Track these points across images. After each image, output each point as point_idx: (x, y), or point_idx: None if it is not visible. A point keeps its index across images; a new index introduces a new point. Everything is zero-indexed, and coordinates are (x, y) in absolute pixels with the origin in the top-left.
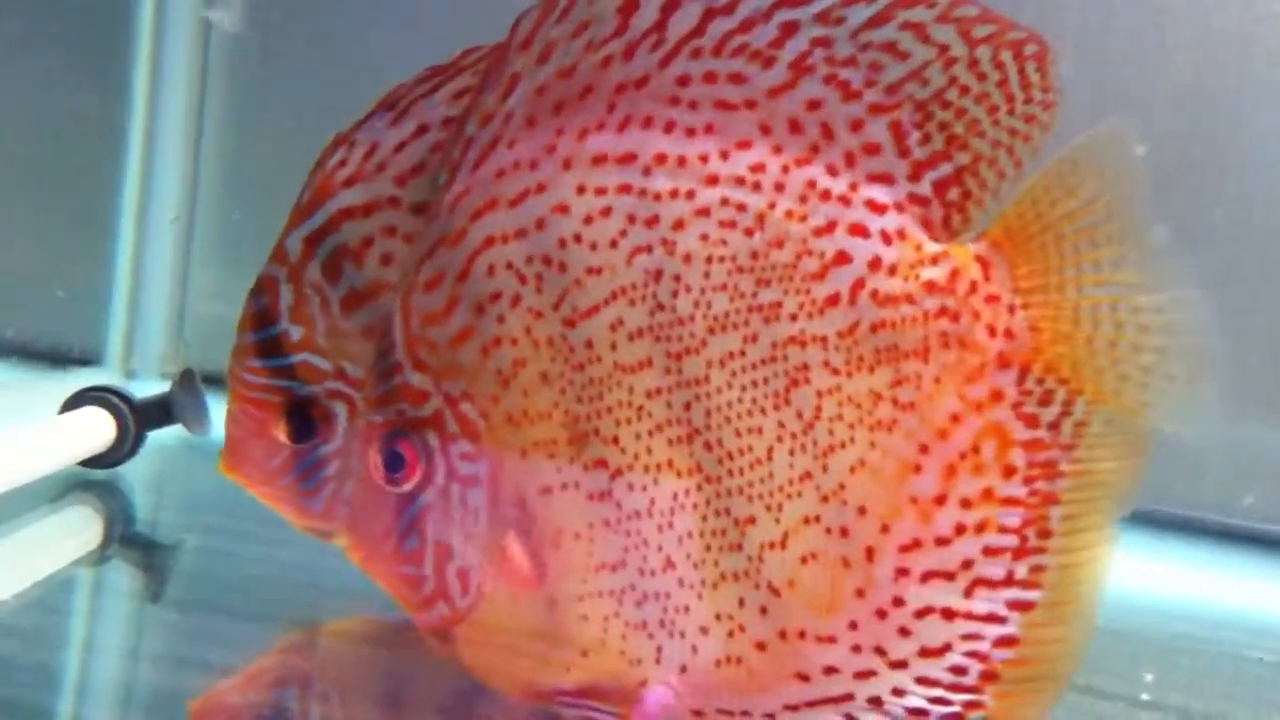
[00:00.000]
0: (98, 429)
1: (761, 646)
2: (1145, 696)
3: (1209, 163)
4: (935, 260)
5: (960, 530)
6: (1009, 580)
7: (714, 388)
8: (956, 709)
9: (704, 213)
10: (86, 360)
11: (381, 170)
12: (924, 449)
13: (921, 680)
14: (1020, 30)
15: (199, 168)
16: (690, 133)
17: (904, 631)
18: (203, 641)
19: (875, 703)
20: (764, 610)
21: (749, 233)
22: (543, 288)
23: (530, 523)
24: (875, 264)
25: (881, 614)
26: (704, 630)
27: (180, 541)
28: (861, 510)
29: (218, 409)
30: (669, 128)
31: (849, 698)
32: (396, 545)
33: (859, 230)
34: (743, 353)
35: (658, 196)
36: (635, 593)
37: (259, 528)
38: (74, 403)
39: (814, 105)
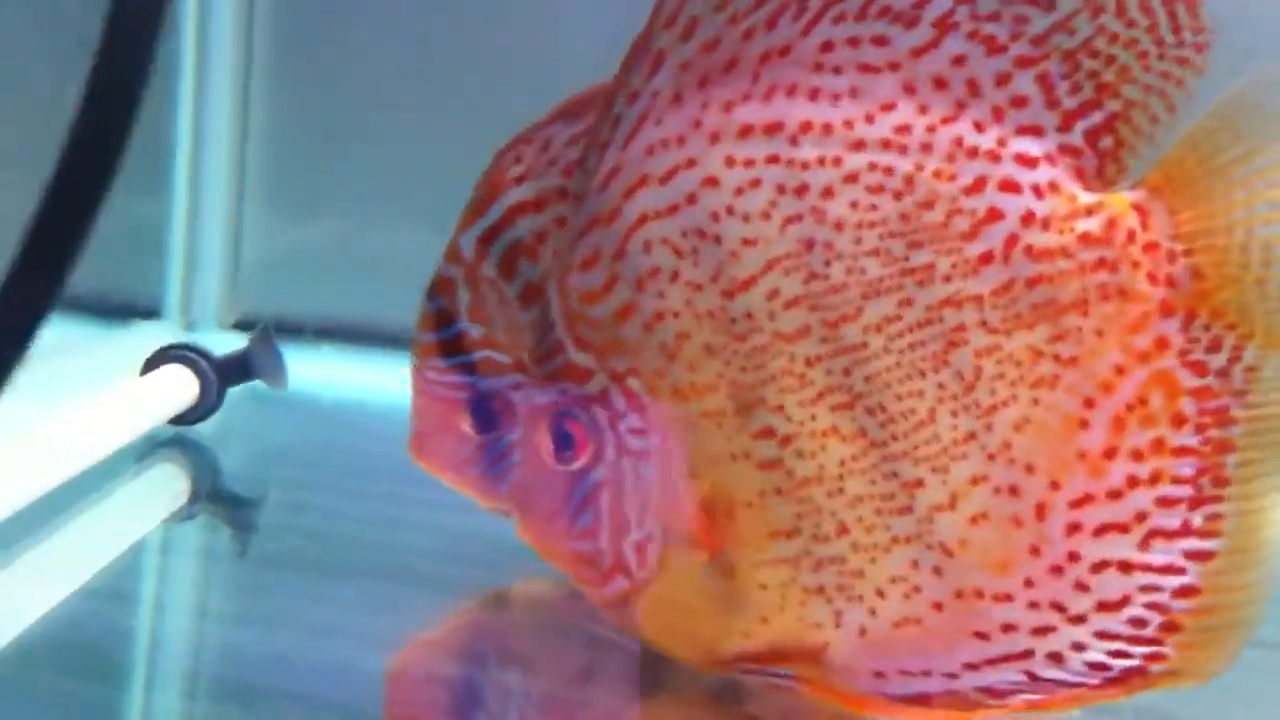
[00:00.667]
0: (184, 387)
1: (939, 607)
2: None
3: None
4: (1090, 211)
5: (1133, 483)
6: (1186, 530)
7: (872, 353)
8: (1137, 661)
9: (852, 179)
10: (150, 313)
11: (552, 165)
12: (1089, 403)
13: (1101, 634)
14: None
15: (248, 115)
16: (835, 98)
17: (1081, 586)
18: (294, 597)
19: (1055, 658)
20: (938, 571)
21: (898, 196)
22: (699, 261)
23: (703, 493)
24: (1028, 219)
25: (1057, 570)
26: (880, 593)
27: (265, 495)
28: (1029, 468)
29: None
30: (814, 95)
31: (1029, 654)
32: (570, 523)
33: (1010, 186)
34: (899, 316)
35: (805, 165)
36: (811, 558)
37: (339, 478)
38: (156, 361)
39: (958, 62)
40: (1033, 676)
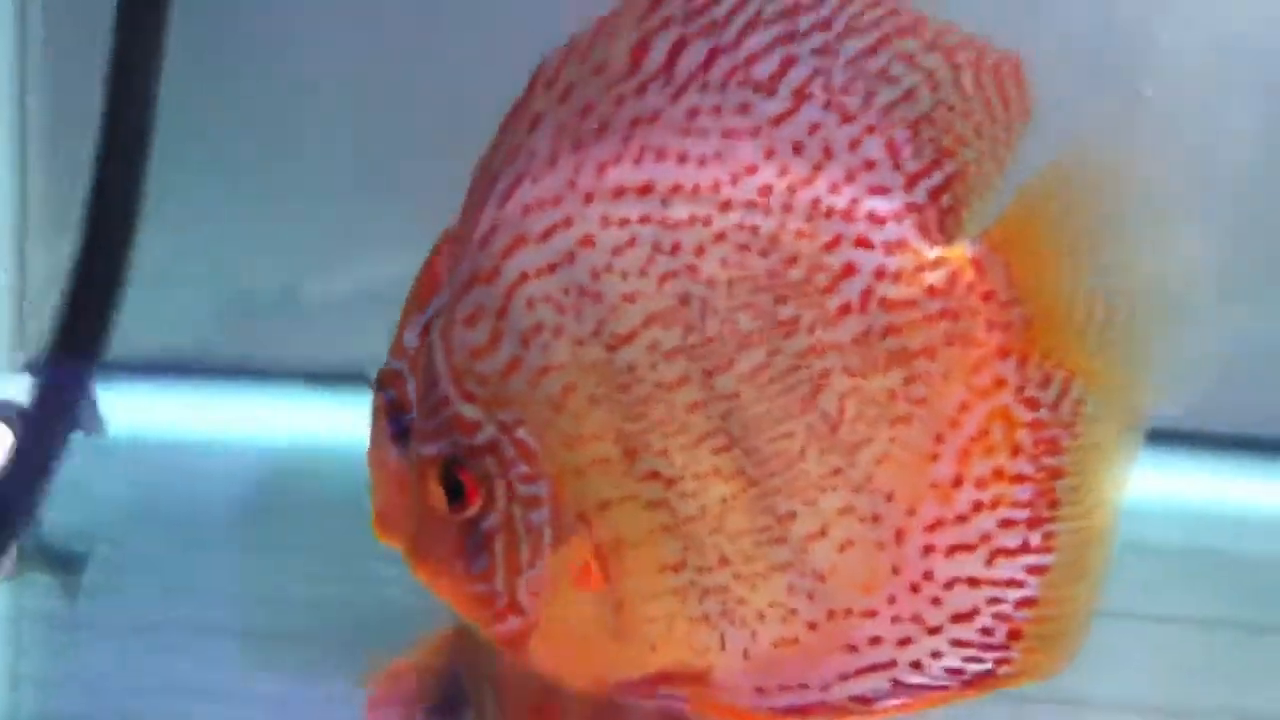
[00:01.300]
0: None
1: (813, 626)
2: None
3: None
4: (935, 265)
5: (978, 507)
6: (1025, 548)
7: (747, 399)
8: (989, 665)
9: (721, 238)
10: None
11: None
12: (939, 438)
13: (955, 642)
14: (998, 52)
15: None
16: (702, 162)
17: (936, 601)
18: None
19: (916, 666)
20: (811, 595)
21: (764, 253)
22: (581, 317)
23: (593, 534)
24: (880, 273)
25: (915, 588)
26: (761, 616)
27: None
28: (889, 497)
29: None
30: (682, 158)
31: (893, 664)
32: (465, 567)
33: (863, 243)
34: (769, 365)
35: (677, 225)
36: (696, 589)
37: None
38: None
39: (815, 129)
40: (897, 684)
